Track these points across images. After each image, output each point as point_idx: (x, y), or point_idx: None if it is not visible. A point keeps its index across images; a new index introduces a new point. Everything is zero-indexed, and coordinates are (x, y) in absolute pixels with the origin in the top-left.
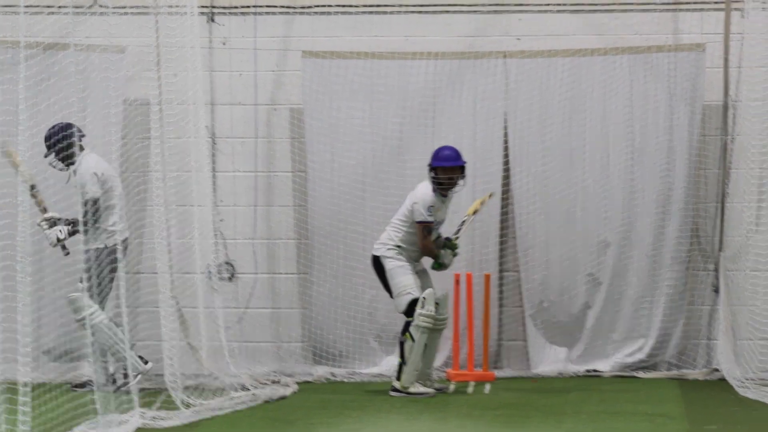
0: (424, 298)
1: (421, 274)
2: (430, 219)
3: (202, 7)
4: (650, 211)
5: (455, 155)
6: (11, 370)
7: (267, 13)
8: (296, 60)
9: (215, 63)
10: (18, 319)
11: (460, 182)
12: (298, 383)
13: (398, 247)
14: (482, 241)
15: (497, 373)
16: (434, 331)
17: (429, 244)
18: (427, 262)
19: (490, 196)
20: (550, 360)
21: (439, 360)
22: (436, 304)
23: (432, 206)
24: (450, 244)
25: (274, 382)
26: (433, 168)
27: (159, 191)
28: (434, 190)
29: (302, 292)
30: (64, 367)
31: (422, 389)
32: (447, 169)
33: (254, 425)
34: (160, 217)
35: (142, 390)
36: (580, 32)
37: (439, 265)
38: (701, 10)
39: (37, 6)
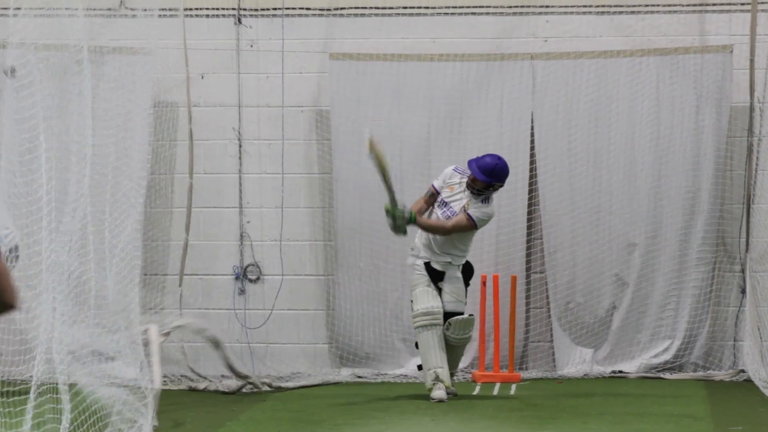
0: (411, 300)
1: (446, 281)
2: (435, 183)
3: (230, 9)
4: (676, 212)
5: (488, 171)
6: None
7: (294, 15)
8: (323, 62)
9: (243, 65)
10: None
11: (486, 192)
12: (323, 385)
13: (417, 237)
14: (509, 242)
15: (523, 375)
16: (452, 346)
17: (419, 202)
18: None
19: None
20: (576, 361)
21: (465, 361)
22: (448, 324)
23: (449, 176)
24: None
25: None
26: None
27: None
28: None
29: (328, 294)
30: None
31: (438, 393)
32: (476, 179)
33: (279, 426)
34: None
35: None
36: (607, 34)
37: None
38: (728, 11)
39: (64, 8)
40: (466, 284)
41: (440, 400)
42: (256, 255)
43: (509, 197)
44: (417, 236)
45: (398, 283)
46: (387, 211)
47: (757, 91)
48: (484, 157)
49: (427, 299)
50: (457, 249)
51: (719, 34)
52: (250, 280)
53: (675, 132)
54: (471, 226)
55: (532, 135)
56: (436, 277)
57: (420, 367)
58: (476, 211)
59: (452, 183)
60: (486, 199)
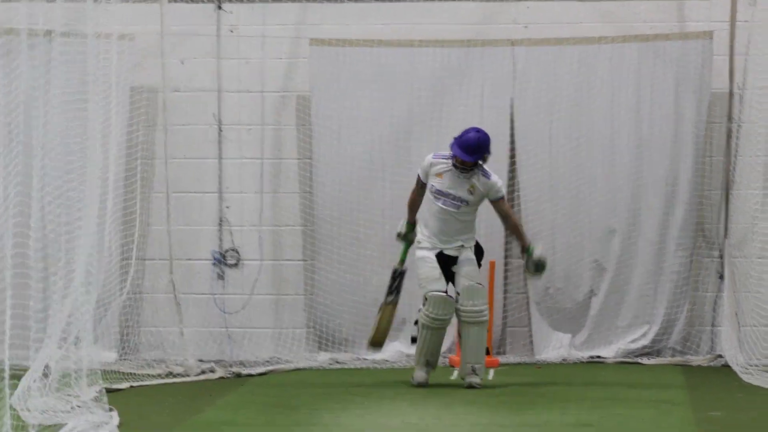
0: (425, 297)
1: (461, 264)
2: (420, 173)
3: None
4: (656, 198)
5: (472, 148)
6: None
7: (275, 0)
8: (304, 48)
9: (223, 50)
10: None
11: (479, 165)
12: (302, 370)
13: (423, 226)
14: (487, 227)
15: (501, 359)
16: (467, 326)
17: (412, 194)
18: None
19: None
20: (555, 346)
21: (443, 346)
22: (457, 293)
23: (431, 166)
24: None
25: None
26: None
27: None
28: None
29: (307, 279)
30: None
31: (419, 375)
32: (464, 161)
33: (258, 411)
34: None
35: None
36: (588, 20)
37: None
38: None
39: None
40: (479, 264)
41: (420, 384)
42: (236, 240)
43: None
44: (421, 227)
45: (377, 269)
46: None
47: (736, 77)
48: (463, 135)
49: (442, 306)
50: (471, 231)
51: (699, 20)
52: (229, 265)
53: (655, 118)
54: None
55: (512, 121)
56: (449, 262)
57: (414, 340)
58: (496, 192)
59: (439, 171)
60: (484, 172)
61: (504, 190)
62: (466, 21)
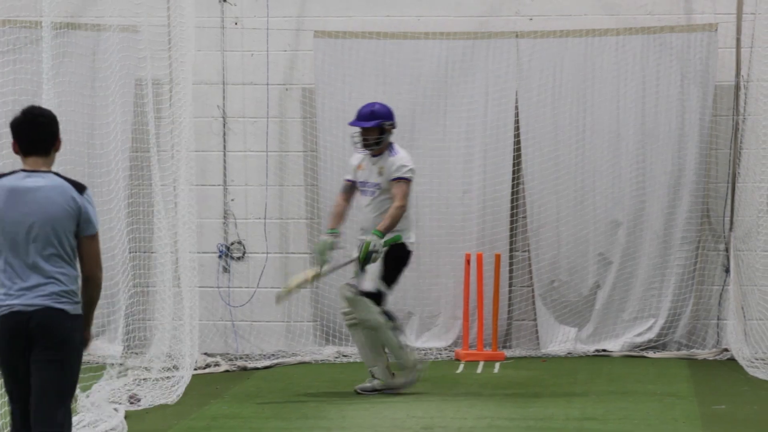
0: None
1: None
2: (347, 176)
3: None
4: (661, 191)
5: (364, 115)
6: None
7: None
8: (308, 40)
9: (227, 43)
10: None
11: (381, 138)
12: (308, 363)
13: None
14: (493, 220)
15: (507, 353)
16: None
17: (338, 201)
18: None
19: (315, 277)
20: (560, 340)
21: (448, 340)
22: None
23: (353, 164)
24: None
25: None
26: None
27: (168, 171)
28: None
29: None
30: None
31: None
32: (366, 128)
33: (264, 404)
34: (168, 196)
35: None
36: (593, 12)
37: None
38: None
39: None
40: (398, 268)
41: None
42: (241, 233)
43: (494, 176)
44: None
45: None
46: (363, 259)
47: (742, 69)
48: (362, 107)
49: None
50: (407, 219)
51: (704, 12)
52: (235, 258)
53: (660, 111)
54: (407, 183)
55: (517, 113)
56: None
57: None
58: (398, 170)
59: (360, 163)
60: (391, 150)
61: (409, 174)
62: (470, 13)
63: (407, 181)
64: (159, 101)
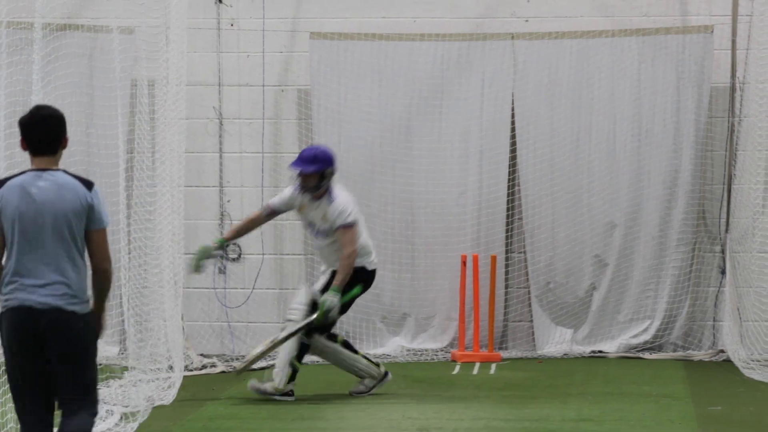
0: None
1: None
2: (273, 201)
3: None
4: (657, 192)
5: (307, 158)
6: None
7: None
8: (304, 41)
9: (223, 44)
10: None
11: (321, 185)
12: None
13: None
14: (489, 222)
15: (503, 354)
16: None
17: (252, 215)
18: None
19: (274, 345)
20: (556, 341)
21: (444, 341)
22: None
23: (291, 198)
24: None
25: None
26: None
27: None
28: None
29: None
30: None
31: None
32: (306, 174)
33: (261, 405)
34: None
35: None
36: (588, 14)
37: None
38: None
39: None
40: (360, 288)
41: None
42: None
43: (490, 177)
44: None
45: (378, 263)
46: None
47: (738, 71)
48: (304, 150)
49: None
50: (362, 248)
51: (700, 14)
52: (231, 260)
53: (656, 112)
54: (353, 228)
55: (513, 115)
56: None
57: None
58: (339, 217)
59: (302, 203)
60: (329, 195)
61: (351, 218)
62: (466, 15)
63: (351, 226)
64: (153, 102)
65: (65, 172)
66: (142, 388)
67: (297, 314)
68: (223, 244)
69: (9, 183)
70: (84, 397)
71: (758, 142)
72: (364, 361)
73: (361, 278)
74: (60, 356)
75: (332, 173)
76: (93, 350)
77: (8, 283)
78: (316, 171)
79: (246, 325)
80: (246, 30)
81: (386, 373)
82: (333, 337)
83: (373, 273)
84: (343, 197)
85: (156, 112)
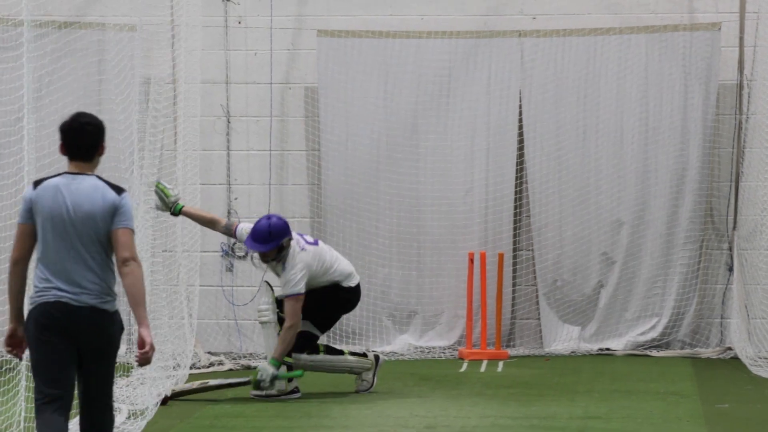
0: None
1: None
2: (243, 225)
3: None
4: (664, 190)
5: (261, 237)
6: None
7: None
8: (311, 39)
9: (231, 42)
10: None
11: (282, 253)
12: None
13: None
14: (496, 219)
15: (510, 352)
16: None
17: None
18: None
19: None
20: (563, 339)
21: (452, 339)
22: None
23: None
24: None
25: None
26: None
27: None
28: None
29: None
30: None
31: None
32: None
33: (268, 403)
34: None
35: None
36: (596, 11)
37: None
38: None
39: None
40: (335, 312)
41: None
42: None
43: (497, 175)
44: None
45: (386, 260)
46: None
47: (745, 68)
48: (253, 228)
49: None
50: (341, 272)
51: (707, 11)
52: (238, 257)
53: (663, 110)
54: (296, 300)
55: (521, 112)
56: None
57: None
58: (285, 286)
59: (259, 264)
60: (284, 263)
61: (296, 290)
62: (474, 12)
63: (295, 297)
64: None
65: (98, 177)
66: (149, 386)
67: (268, 315)
68: (177, 207)
69: (45, 183)
70: (110, 397)
71: (766, 139)
72: (352, 357)
73: (342, 297)
74: (95, 352)
75: (289, 242)
76: (117, 352)
77: (42, 280)
78: (273, 248)
79: (253, 323)
80: (253, 28)
81: (377, 357)
82: (315, 349)
83: (354, 289)
84: (297, 264)
85: (165, 109)
